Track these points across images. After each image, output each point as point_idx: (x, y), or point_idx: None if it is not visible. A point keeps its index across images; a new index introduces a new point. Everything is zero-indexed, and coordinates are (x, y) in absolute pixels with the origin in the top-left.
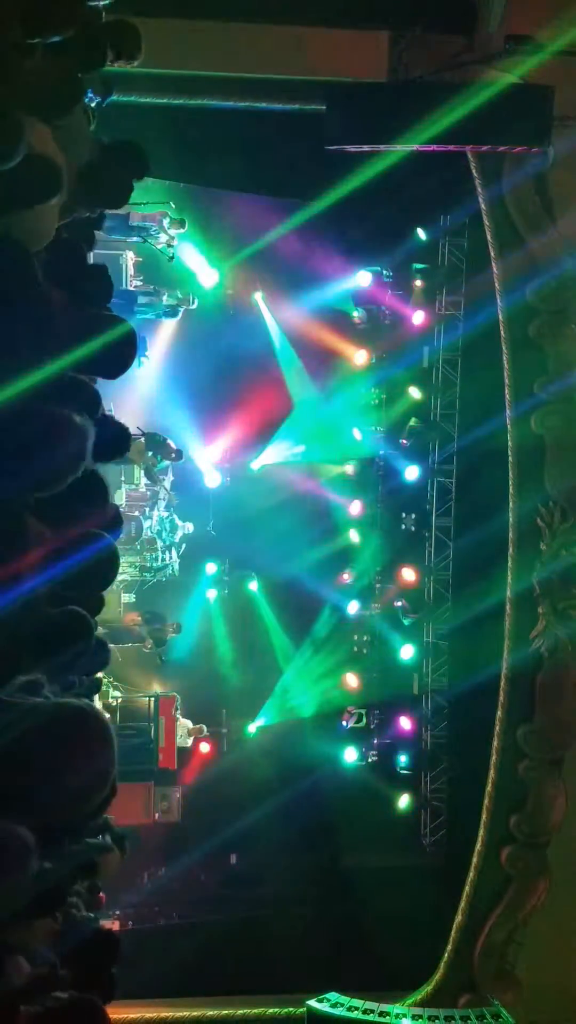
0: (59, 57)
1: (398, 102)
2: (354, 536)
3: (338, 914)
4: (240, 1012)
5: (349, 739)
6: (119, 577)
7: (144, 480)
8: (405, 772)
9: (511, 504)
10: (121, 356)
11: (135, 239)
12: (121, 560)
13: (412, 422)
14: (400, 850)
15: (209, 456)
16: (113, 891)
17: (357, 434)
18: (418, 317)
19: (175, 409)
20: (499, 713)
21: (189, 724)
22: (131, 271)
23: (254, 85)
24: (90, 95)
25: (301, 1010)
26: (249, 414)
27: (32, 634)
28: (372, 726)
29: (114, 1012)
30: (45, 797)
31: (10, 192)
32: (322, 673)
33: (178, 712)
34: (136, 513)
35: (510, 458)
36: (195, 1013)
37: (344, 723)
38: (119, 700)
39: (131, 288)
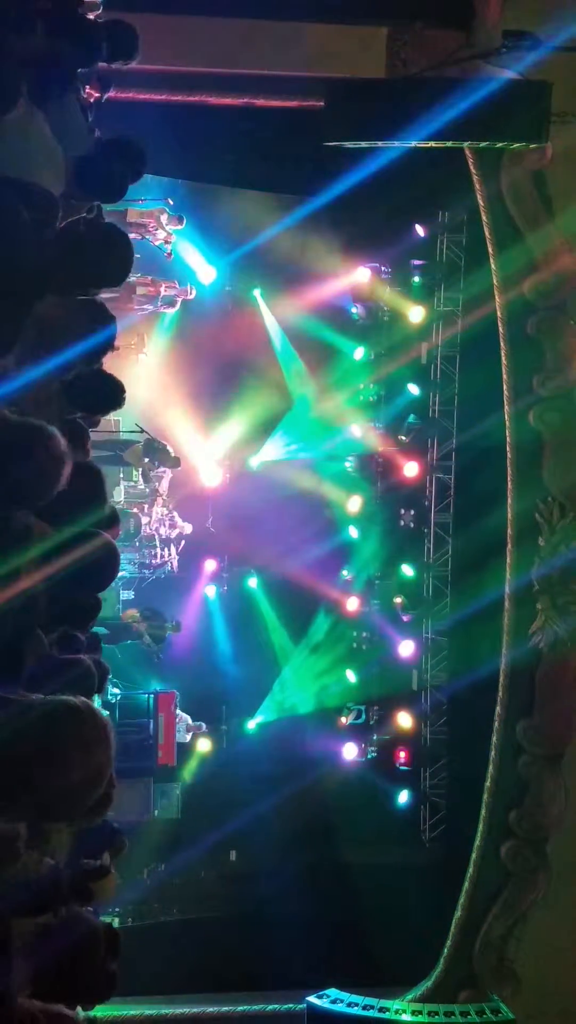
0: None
1: (396, 98)
2: (353, 533)
3: (338, 910)
4: (240, 1008)
5: (348, 735)
6: (118, 574)
7: (142, 480)
8: (404, 768)
9: (510, 500)
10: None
11: (133, 236)
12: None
13: (411, 419)
14: (399, 846)
15: (208, 453)
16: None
17: (356, 431)
18: (417, 313)
19: (174, 406)
20: (498, 709)
21: (188, 720)
22: None
23: (252, 81)
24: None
25: (301, 1006)
26: (248, 411)
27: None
28: (371, 722)
29: (114, 1008)
30: (42, 794)
31: None
32: (321, 670)
33: (177, 708)
34: (135, 510)
35: (509, 454)
36: (195, 1010)
37: (343, 719)
38: (118, 697)
39: (129, 280)
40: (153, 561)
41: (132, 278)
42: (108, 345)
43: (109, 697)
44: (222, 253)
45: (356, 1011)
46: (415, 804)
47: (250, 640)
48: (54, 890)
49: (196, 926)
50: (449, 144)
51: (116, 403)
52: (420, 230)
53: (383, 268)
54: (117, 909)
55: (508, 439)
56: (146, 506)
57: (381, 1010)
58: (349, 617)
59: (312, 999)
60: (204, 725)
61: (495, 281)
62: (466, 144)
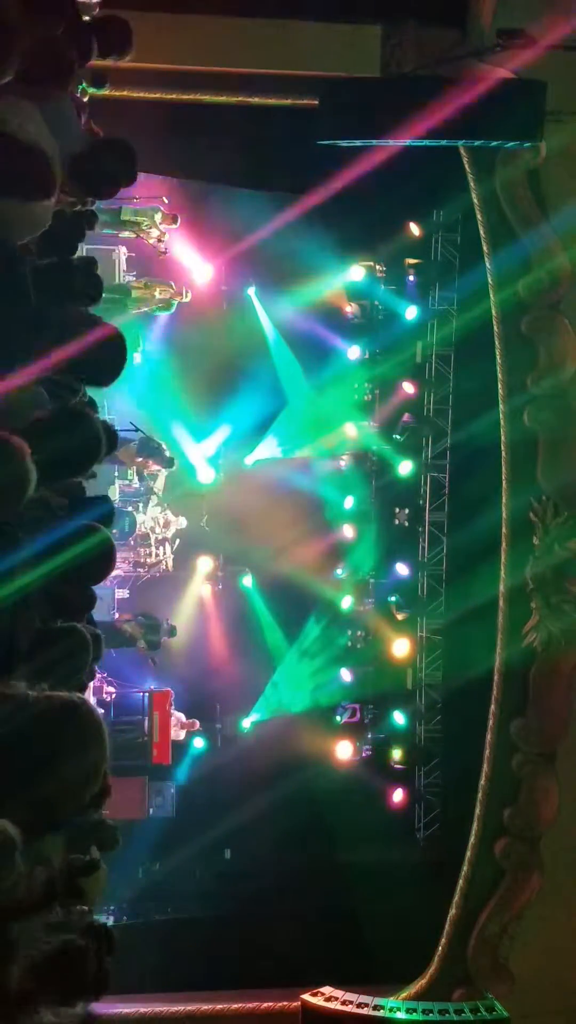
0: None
1: (390, 97)
2: (347, 531)
3: (332, 908)
4: (234, 1007)
5: (343, 734)
6: (112, 573)
7: (137, 479)
8: (399, 767)
9: (504, 499)
10: (111, 363)
11: (127, 234)
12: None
13: (405, 417)
14: (394, 844)
15: (202, 451)
16: (108, 886)
17: (350, 429)
18: (411, 312)
19: (168, 405)
20: (492, 707)
21: (182, 717)
22: (123, 266)
23: (246, 80)
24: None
25: (296, 1004)
26: (242, 409)
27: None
28: (366, 721)
29: (108, 1007)
30: (36, 791)
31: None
32: (316, 668)
33: (172, 707)
34: (129, 509)
35: (503, 453)
36: (189, 1008)
37: (338, 718)
38: (113, 695)
39: (123, 283)
40: (148, 560)
41: (125, 281)
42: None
43: (104, 696)
44: (216, 252)
45: (351, 1009)
46: (409, 802)
47: (244, 639)
48: (48, 894)
49: (191, 924)
50: (443, 143)
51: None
52: (415, 229)
53: (378, 267)
54: (112, 907)
55: (502, 438)
56: (141, 505)
57: (376, 1008)
58: (343, 616)
59: (307, 997)
60: (197, 723)
61: (489, 280)
62: (460, 143)
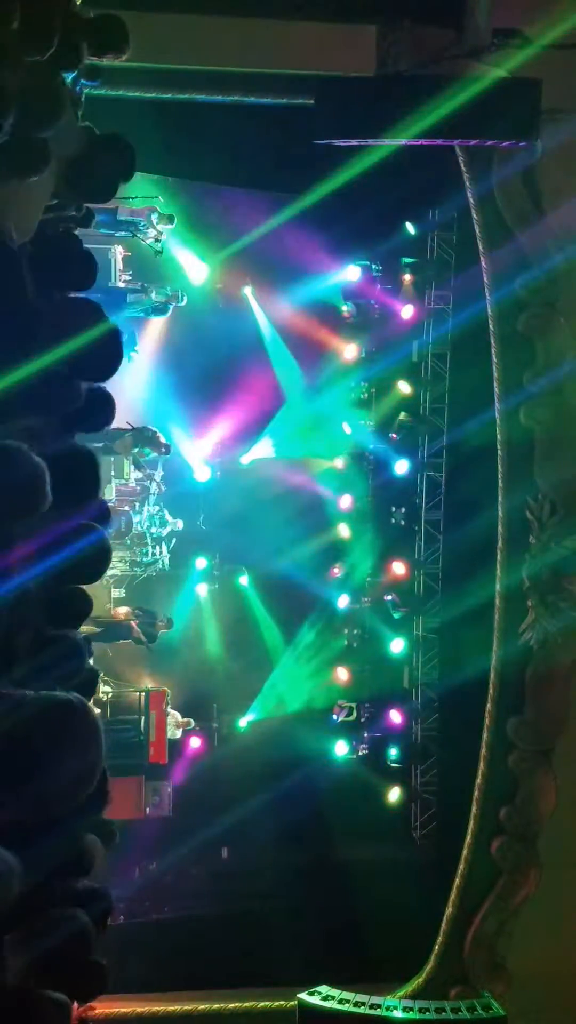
0: (42, 68)
1: (386, 96)
2: (344, 530)
3: (329, 907)
4: (231, 1005)
5: (339, 733)
6: (109, 572)
7: (134, 473)
8: (395, 765)
9: (500, 498)
10: (108, 358)
11: (123, 234)
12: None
13: (402, 416)
14: (391, 843)
15: (199, 451)
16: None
17: (347, 428)
18: (407, 311)
19: (165, 404)
20: (489, 706)
21: (178, 716)
22: (119, 266)
23: (242, 79)
24: (81, 82)
25: (292, 1003)
26: (238, 408)
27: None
28: (362, 720)
29: (105, 1006)
30: (33, 790)
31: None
32: (312, 667)
33: (168, 706)
34: (126, 508)
35: (499, 452)
36: (186, 1007)
37: (334, 717)
38: (109, 695)
39: (119, 284)
40: (144, 559)
41: (122, 283)
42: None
43: (100, 695)
44: (213, 251)
45: (347, 1008)
46: (406, 801)
47: (241, 638)
48: (45, 900)
49: (187, 924)
50: (439, 142)
51: (108, 422)
52: (411, 228)
53: (374, 266)
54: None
55: (499, 437)
56: (137, 504)
57: (372, 1006)
58: (340, 615)
59: (303, 996)
60: (193, 722)
61: (485, 279)
62: (456, 142)
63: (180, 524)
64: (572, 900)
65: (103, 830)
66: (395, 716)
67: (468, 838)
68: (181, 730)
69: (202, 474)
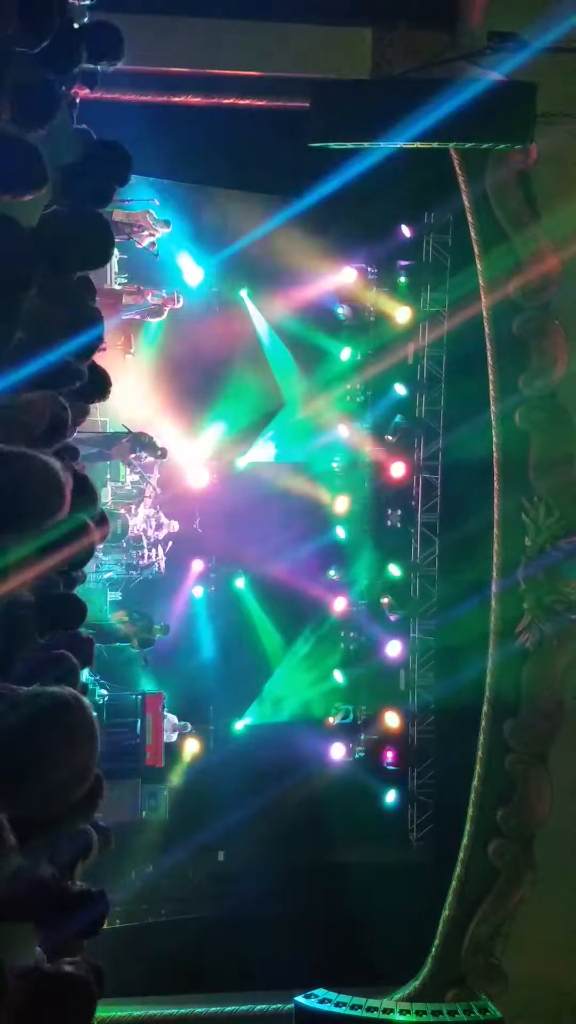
0: (35, 64)
1: (382, 99)
2: (340, 533)
3: (326, 910)
4: (228, 1009)
5: (336, 735)
6: (105, 575)
7: (130, 476)
8: (392, 768)
9: (496, 500)
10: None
11: (119, 238)
12: (107, 558)
13: (397, 419)
14: (387, 845)
15: (195, 454)
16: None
17: (343, 431)
18: (403, 314)
19: (161, 407)
20: (485, 708)
21: (174, 720)
22: (115, 268)
23: (238, 82)
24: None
25: (289, 1006)
26: (235, 411)
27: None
28: (359, 722)
29: (103, 1009)
30: (26, 788)
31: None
32: (308, 670)
33: (164, 709)
34: (122, 511)
35: (495, 454)
36: (183, 1010)
37: (331, 719)
38: (106, 698)
39: (115, 287)
40: (140, 562)
41: (118, 285)
42: (97, 342)
43: (97, 698)
44: (209, 254)
45: (344, 1010)
46: (403, 803)
47: (237, 641)
48: (42, 897)
49: (184, 927)
50: (435, 145)
51: (104, 395)
52: (406, 231)
53: (369, 269)
54: None
55: (494, 439)
56: (133, 507)
57: (369, 1009)
58: (336, 618)
59: (300, 999)
60: (189, 725)
61: (481, 282)
62: (451, 145)
63: (176, 527)
64: (568, 902)
65: (100, 834)
66: (391, 718)
67: (465, 840)
68: (177, 733)
69: (199, 477)
